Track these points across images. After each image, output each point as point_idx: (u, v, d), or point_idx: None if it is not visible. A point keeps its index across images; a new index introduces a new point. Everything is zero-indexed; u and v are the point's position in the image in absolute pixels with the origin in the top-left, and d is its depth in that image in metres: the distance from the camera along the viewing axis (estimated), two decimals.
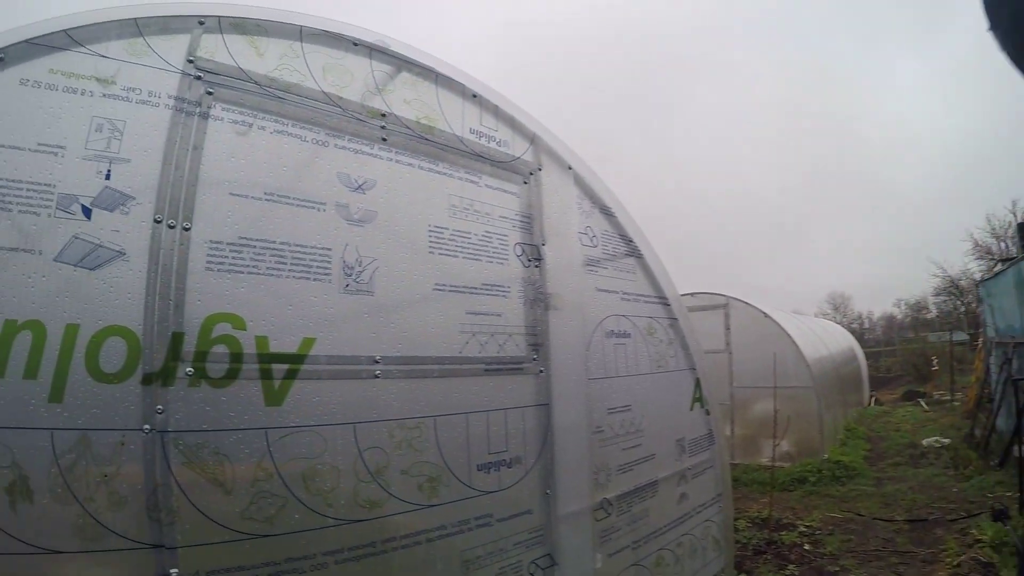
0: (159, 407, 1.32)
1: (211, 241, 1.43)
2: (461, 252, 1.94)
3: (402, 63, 1.91)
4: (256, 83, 1.56)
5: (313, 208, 1.61)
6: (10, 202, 1.22)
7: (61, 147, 1.29)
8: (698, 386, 2.89)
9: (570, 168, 2.41)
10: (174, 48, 1.46)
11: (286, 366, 1.50)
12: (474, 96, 2.11)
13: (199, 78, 1.47)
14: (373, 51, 1.84)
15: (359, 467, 1.61)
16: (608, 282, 2.50)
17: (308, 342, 1.55)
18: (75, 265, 1.26)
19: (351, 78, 1.76)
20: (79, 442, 1.23)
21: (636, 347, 2.58)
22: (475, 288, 1.96)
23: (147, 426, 1.30)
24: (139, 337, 1.31)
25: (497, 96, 2.18)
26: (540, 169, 2.28)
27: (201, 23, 1.51)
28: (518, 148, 2.23)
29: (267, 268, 1.50)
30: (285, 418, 1.49)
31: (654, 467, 2.55)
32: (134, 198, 1.34)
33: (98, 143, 1.32)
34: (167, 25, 1.46)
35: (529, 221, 2.20)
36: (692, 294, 9.15)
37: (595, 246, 2.48)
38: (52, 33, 1.32)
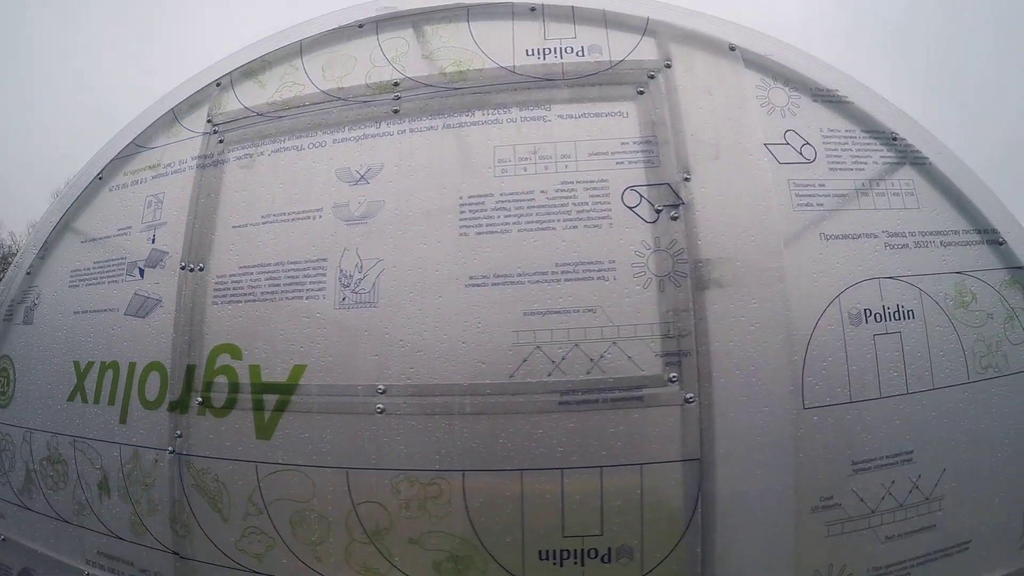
0: (179, 432, 1.45)
1: (217, 276, 1.49)
2: (515, 223, 1.34)
3: (418, 17, 1.54)
4: (259, 114, 1.58)
5: (308, 218, 1.46)
6: (103, 277, 1.64)
7: (129, 227, 1.65)
8: None
9: (733, 48, 1.37)
10: (198, 117, 1.66)
11: (276, 397, 1.38)
12: (532, 10, 1.48)
13: (215, 132, 1.61)
14: (380, 23, 1.56)
15: (352, 522, 1.29)
16: (851, 219, 1.27)
17: (298, 370, 1.37)
18: (134, 315, 1.56)
19: (353, 63, 1.54)
20: (134, 455, 1.51)
21: (928, 335, 1.20)
22: (542, 273, 1.29)
23: (171, 448, 1.45)
24: (168, 370, 1.49)
25: None
26: (668, 66, 1.38)
27: (218, 84, 1.66)
28: (619, 48, 1.42)
29: (262, 293, 1.44)
30: (274, 453, 1.36)
31: (967, 567, 1.19)
32: (168, 252, 1.56)
33: (148, 216, 1.63)
34: (193, 101, 1.69)
35: (652, 148, 1.33)
36: None
37: (811, 160, 1.31)
38: (127, 145, 1.74)
